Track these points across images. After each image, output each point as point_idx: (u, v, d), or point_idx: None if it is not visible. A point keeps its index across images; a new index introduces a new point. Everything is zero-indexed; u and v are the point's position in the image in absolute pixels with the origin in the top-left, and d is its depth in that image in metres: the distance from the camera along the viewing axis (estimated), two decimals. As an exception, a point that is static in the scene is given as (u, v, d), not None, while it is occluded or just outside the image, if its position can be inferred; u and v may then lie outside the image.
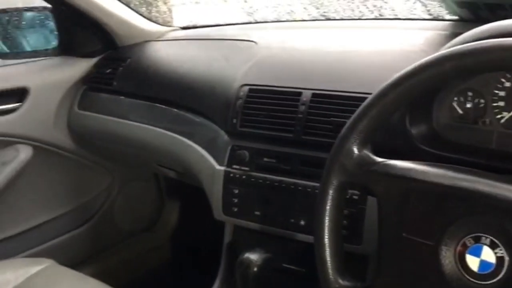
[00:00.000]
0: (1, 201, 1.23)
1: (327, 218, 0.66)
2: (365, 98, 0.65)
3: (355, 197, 0.81)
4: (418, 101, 0.75)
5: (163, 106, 1.17)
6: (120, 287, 1.12)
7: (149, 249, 1.58)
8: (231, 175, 0.95)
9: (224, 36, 1.28)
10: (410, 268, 0.62)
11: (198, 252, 1.48)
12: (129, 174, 1.49)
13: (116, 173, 1.46)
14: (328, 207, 0.66)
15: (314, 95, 0.90)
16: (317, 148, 0.86)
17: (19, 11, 1.32)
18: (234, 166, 0.95)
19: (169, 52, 1.32)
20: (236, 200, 0.94)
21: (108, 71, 1.30)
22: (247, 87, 0.98)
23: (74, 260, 1.36)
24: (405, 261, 0.62)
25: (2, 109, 1.22)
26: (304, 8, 1.68)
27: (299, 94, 0.91)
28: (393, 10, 1.48)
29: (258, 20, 1.85)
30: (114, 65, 1.30)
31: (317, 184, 0.70)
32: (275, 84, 0.96)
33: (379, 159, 0.63)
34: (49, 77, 1.29)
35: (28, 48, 1.36)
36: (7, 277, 1.12)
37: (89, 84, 1.33)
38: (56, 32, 1.32)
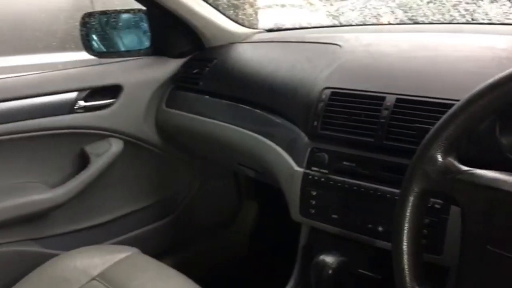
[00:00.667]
0: (93, 190, 1.32)
1: (406, 225, 0.65)
2: (451, 105, 0.63)
3: (437, 206, 0.79)
4: (510, 109, 0.71)
5: (246, 107, 1.19)
6: (196, 279, 1.16)
7: (226, 245, 1.62)
8: (310, 177, 0.96)
9: (308, 39, 1.29)
10: (493, 282, 0.59)
11: (274, 252, 1.49)
12: (210, 171, 1.54)
13: (198, 170, 1.51)
14: (408, 215, 0.65)
15: (398, 100, 0.88)
16: (399, 154, 0.85)
17: (117, 13, 1.40)
18: (313, 168, 0.96)
19: (254, 54, 1.35)
20: (313, 202, 0.95)
21: (195, 71, 1.35)
22: (329, 90, 0.99)
23: (156, 250, 1.42)
24: (488, 275, 0.60)
25: (99, 104, 1.31)
26: (392, 11, 1.65)
27: (383, 98, 0.90)
28: (486, 14, 1.41)
29: (344, 23, 1.83)
30: (201, 65, 1.35)
31: (397, 191, 0.69)
32: (358, 88, 0.95)
33: (465, 168, 0.61)
34: (141, 76, 1.37)
35: (123, 48, 1.44)
36: (95, 261, 1.20)
37: (177, 83, 1.39)
38: (149, 33, 1.39)
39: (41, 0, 3.22)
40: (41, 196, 1.25)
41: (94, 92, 1.30)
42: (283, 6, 2.65)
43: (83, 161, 1.31)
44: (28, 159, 1.25)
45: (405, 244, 0.65)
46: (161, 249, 1.48)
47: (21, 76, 1.24)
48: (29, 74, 1.25)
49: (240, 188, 1.63)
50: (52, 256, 1.26)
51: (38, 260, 1.24)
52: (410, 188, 0.65)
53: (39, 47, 3.16)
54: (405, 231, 0.65)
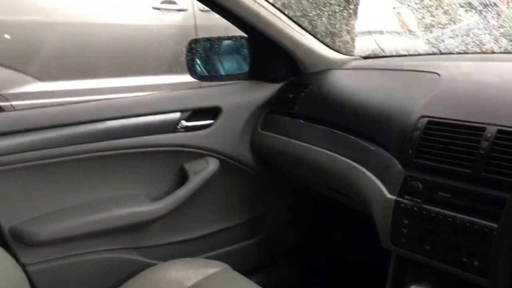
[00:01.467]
0: (189, 205, 1.39)
1: (504, 262, 0.63)
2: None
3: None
4: None
5: (340, 132, 1.21)
6: None
7: (313, 266, 1.63)
8: (402, 205, 0.95)
9: (406, 67, 1.28)
10: None
11: (361, 276, 1.48)
12: (301, 193, 1.56)
13: (289, 191, 1.54)
14: (506, 251, 0.63)
15: (499, 131, 0.86)
16: (498, 187, 0.82)
17: (220, 39, 1.49)
18: (406, 197, 0.95)
19: (350, 81, 1.36)
20: (405, 231, 0.94)
21: (290, 95, 1.40)
22: (426, 119, 0.98)
23: (245, 267, 1.45)
24: None
25: (199, 124, 1.39)
26: (495, 40, 1.59)
27: (483, 129, 0.88)
28: None
29: (443, 51, 1.80)
30: (296, 90, 1.39)
31: (495, 225, 0.67)
32: (457, 118, 0.94)
33: None
34: (239, 99, 1.43)
35: (223, 72, 1.53)
36: (188, 274, 1.26)
37: (273, 107, 1.44)
38: (248, 59, 1.46)
39: (152, 28, 3.48)
40: (143, 208, 1.34)
41: (196, 113, 1.38)
42: (381, 33, 2.65)
43: (182, 178, 1.39)
44: (133, 173, 1.35)
45: (501, 281, 0.63)
46: (250, 266, 1.52)
47: (132, 96, 1.35)
48: (139, 96, 1.36)
49: (328, 211, 1.63)
50: (149, 265, 1.35)
51: (136, 268, 1.33)
52: (509, 223, 0.63)
53: (150, 69, 3.41)
54: (502, 268, 0.63)
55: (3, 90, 3.28)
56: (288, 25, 1.37)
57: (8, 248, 1.19)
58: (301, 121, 1.34)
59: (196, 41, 1.45)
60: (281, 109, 1.41)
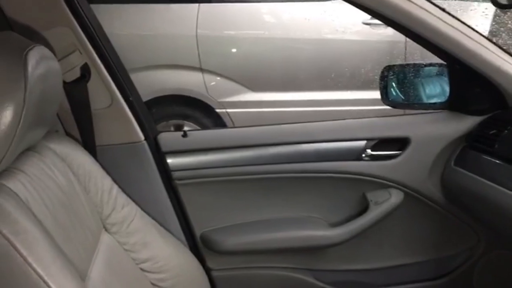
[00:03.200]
0: (368, 236, 1.36)
1: None
2: None
3: None
4: None
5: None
6: None
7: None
8: None
9: None
10: None
11: None
12: (498, 239, 1.39)
13: (483, 235, 1.39)
14: None
15: None
16: None
17: (417, 66, 1.42)
18: None
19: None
20: None
21: (491, 132, 1.25)
22: None
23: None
24: None
25: (385, 154, 1.34)
26: None
27: None
28: None
29: None
30: (499, 126, 1.24)
31: None
32: None
33: None
34: (432, 130, 1.34)
35: (418, 100, 1.45)
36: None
37: (470, 142, 1.31)
38: (446, 88, 1.36)
39: (363, 43, 3.51)
40: (322, 233, 1.36)
41: (382, 142, 1.34)
42: None
43: (362, 206, 1.36)
44: (315, 196, 1.38)
45: None
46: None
47: (322, 122, 1.38)
48: (327, 122, 1.38)
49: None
50: (321, 288, 1.36)
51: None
52: None
53: (348, 85, 3.44)
54: None
55: (221, 98, 3.64)
56: (494, 53, 1.23)
57: (197, 252, 1.33)
58: (501, 162, 1.20)
59: (389, 68, 1.41)
60: (479, 146, 1.28)
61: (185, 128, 3.71)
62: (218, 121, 3.64)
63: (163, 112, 3.67)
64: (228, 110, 3.64)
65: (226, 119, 3.66)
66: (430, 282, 1.43)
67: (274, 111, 3.60)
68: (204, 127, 3.65)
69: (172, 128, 3.74)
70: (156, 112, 3.67)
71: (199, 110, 3.63)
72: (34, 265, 0.67)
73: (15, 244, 0.66)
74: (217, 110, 3.63)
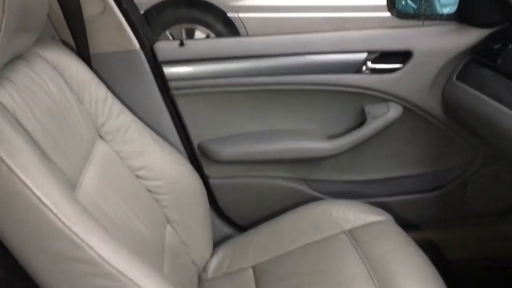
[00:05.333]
0: (364, 148, 1.38)
1: None
2: None
3: None
4: None
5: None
6: (441, 265, 1.12)
7: (493, 237, 1.49)
8: None
9: None
10: None
11: None
12: (494, 154, 1.39)
13: (480, 151, 1.39)
14: None
15: None
16: None
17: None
18: None
19: None
20: None
21: (496, 46, 1.21)
22: None
23: (409, 221, 1.41)
24: None
25: (386, 68, 1.32)
26: None
27: None
28: None
29: None
30: (504, 40, 1.20)
31: None
32: None
33: None
34: (436, 44, 1.30)
35: (429, 9, 1.38)
36: (348, 216, 1.28)
37: (474, 56, 1.27)
38: (458, -2, 1.29)
39: None
40: (319, 145, 1.37)
41: (384, 55, 1.31)
42: None
43: (360, 119, 1.36)
44: (313, 109, 1.38)
45: None
46: (416, 222, 1.46)
47: (321, 33, 1.34)
48: (326, 33, 1.34)
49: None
50: (315, 198, 1.40)
51: (302, 198, 1.41)
52: None
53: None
54: None
55: (233, 1, 3.54)
56: None
57: (194, 161, 1.37)
58: (502, 77, 1.16)
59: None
60: (483, 60, 1.24)
61: (197, 34, 3.65)
62: (231, 28, 3.57)
63: (175, 15, 3.60)
64: (240, 15, 3.56)
65: (238, 24, 3.59)
66: (424, 194, 1.46)
67: (288, 17, 3.51)
68: (217, 34, 3.59)
69: (184, 33, 3.68)
70: (168, 15, 3.60)
71: (211, 14, 3.55)
72: (19, 173, 0.69)
73: None
74: (229, 15, 3.55)
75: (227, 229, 1.46)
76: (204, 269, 1.29)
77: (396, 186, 1.45)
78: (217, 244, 1.37)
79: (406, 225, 1.27)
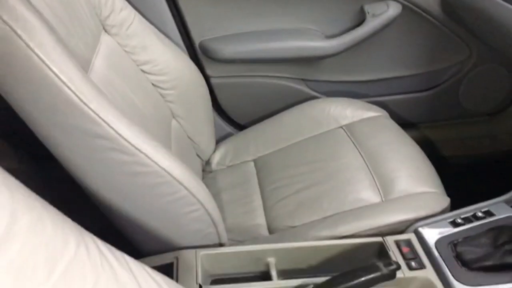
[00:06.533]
0: (363, 48, 1.40)
1: None
2: None
3: None
4: None
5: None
6: (441, 161, 1.18)
7: (484, 135, 1.55)
8: None
9: None
10: None
11: None
12: (488, 53, 1.42)
13: (474, 50, 1.42)
14: None
15: None
16: None
17: None
18: None
19: None
20: None
21: None
22: None
23: (404, 119, 1.46)
24: None
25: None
26: None
27: None
28: None
29: None
30: None
31: None
32: None
33: None
34: None
35: None
36: (346, 113, 1.33)
37: None
38: None
39: None
40: (318, 43, 1.39)
41: None
42: None
43: (360, 19, 1.37)
44: (313, 8, 1.38)
45: None
46: (412, 120, 1.51)
47: None
48: None
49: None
50: (313, 97, 1.44)
51: (301, 98, 1.45)
52: None
53: None
54: None
55: None
56: None
57: (196, 60, 1.39)
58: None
59: None
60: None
61: None
62: None
63: None
64: None
65: None
66: (419, 93, 1.50)
67: None
68: None
69: None
70: None
71: None
72: (36, 50, 0.72)
73: (16, 29, 0.70)
74: None
75: (228, 128, 1.51)
76: (208, 162, 1.35)
77: (392, 85, 1.49)
78: (219, 141, 1.42)
79: (402, 123, 1.32)
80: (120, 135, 0.78)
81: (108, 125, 0.77)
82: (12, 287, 0.47)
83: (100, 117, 0.76)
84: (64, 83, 0.73)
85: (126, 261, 0.60)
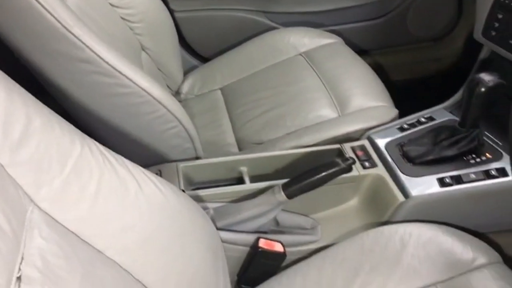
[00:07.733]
0: None
1: None
2: None
3: None
4: None
5: None
6: (392, 84, 1.30)
7: (430, 59, 1.69)
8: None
9: None
10: None
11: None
12: None
13: None
14: None
15: None
16: None
17: None
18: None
19: None
20: (497, 25, 0.97)
21: None
22: None
23: (359, 47, 1.57)
24: None
25: None
26: None
27: None
28: None
29: None
30: None
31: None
32: None
33: None
34: None
35: None
36: (304, 41, 1.43)
37: None
38: None
39: None
40: None
41: None
42: None
43: None
44: None
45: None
46: (365, 47, 1.62)
47: None
48: None
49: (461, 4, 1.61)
50: (273, 29, 1.53)
51: (262, 29, 1.53)
52: None
53: None
54: None
55: None
56: None
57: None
58: None
59: None
60: None
61: None
62: None
63: None
64: None
65: None
66: (371, 21, 1.60)
67: None
68: None
69: None
70: None
71: None
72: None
73: None
74: None
75: (194, 61, 1.59)
76: (177, 92, 1.44)
77: (346, 15, 1.59)
78: (185, 74, 1.50)
79: (356, 50, 1.43)
80: (101, 58, 0.85)
81: (90, 49, 0.84)
82: (33, 179, 0.57)
83: (82, 42, 0.83)
84: (47, 10, 0.80)
85: (124, 162, 0.70)
